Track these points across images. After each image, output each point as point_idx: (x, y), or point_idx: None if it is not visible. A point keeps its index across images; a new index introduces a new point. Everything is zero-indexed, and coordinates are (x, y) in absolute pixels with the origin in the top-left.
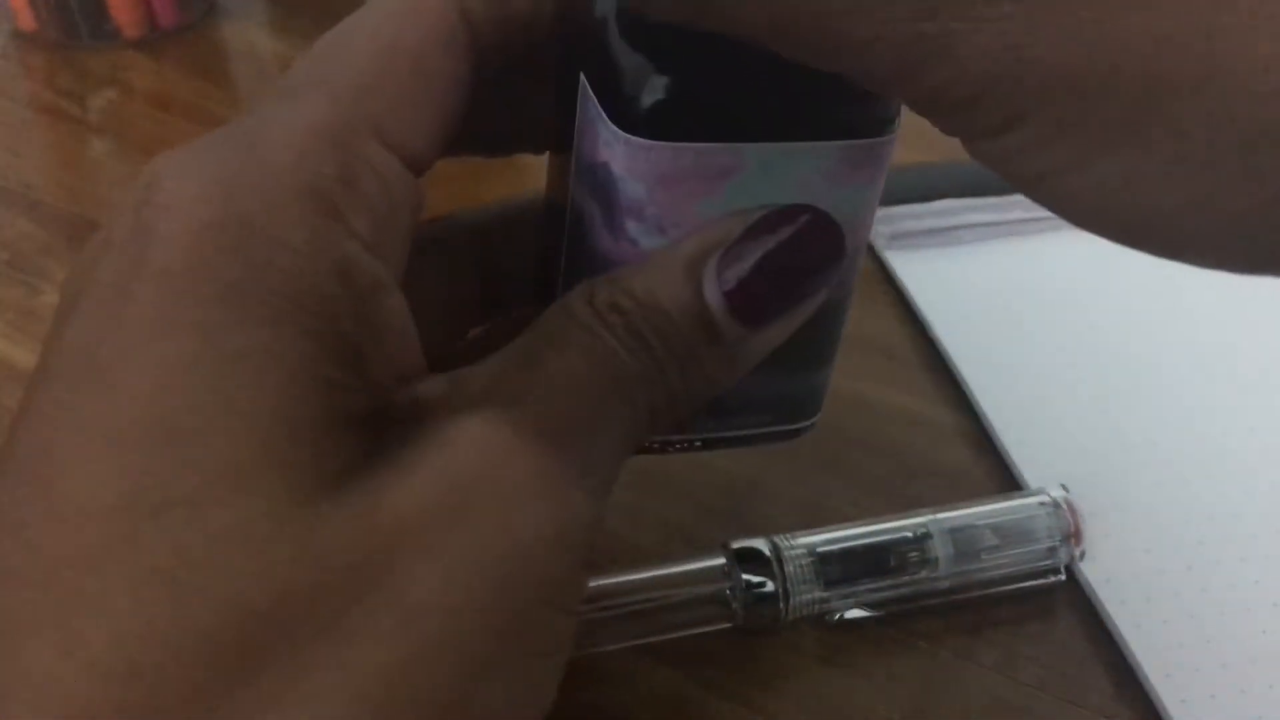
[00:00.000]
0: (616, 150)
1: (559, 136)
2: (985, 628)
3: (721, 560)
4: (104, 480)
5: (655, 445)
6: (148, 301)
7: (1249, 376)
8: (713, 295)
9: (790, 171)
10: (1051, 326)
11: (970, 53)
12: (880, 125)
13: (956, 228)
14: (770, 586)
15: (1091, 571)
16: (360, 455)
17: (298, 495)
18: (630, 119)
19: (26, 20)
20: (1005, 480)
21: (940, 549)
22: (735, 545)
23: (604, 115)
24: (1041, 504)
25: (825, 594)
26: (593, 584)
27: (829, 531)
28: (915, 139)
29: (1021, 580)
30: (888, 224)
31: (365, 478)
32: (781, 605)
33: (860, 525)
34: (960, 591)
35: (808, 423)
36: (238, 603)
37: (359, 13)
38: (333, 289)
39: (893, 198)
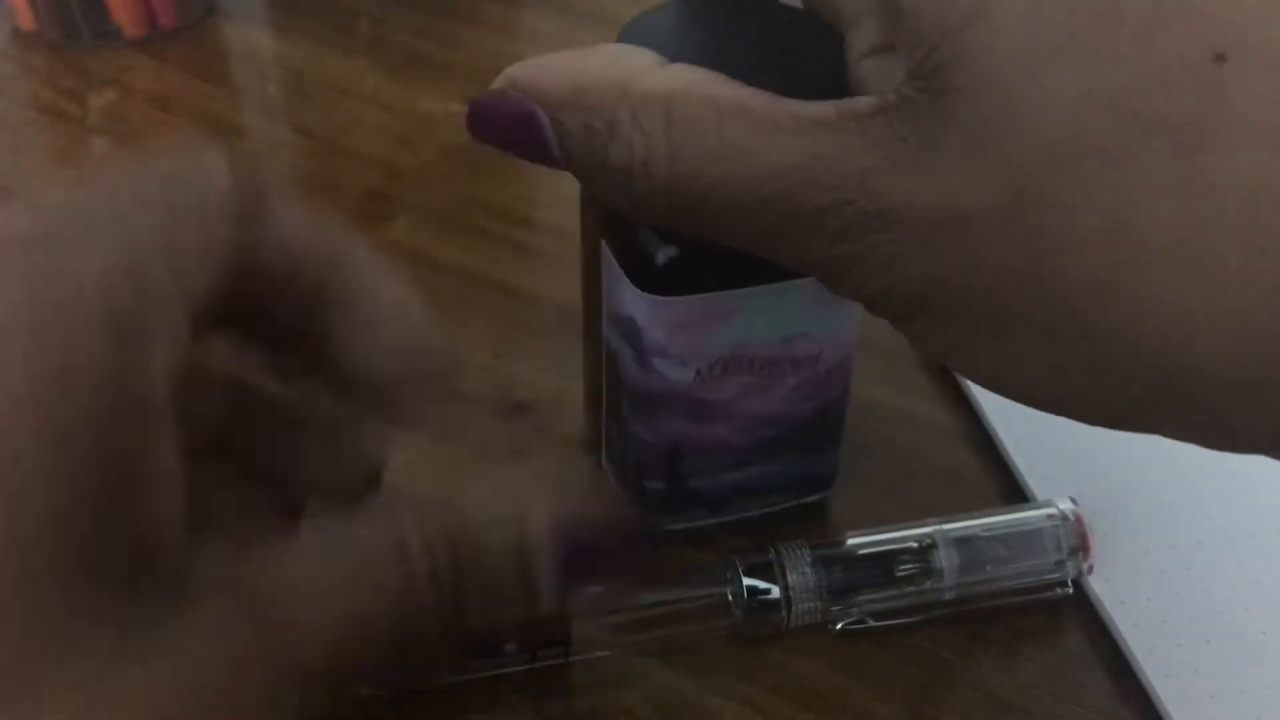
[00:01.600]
0: (639, 306)
1: (587, 286)
2: (985, 629)
3: (726, 568)
4: None
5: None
6: None
7: None
8: (548, 592)
9: (778, 305)
10: None
11: (870, 266)
12: None
13: None
14: (774, 594)
15: (1091, 571)
16: (117, 613)
17: (20, 651)
18: (647, 282)
19: (26, 20)
20: (1006, 481)
21: (945, 560)
22: (739, 553)
23: (626, 279)
24: (1050, 516)
25: (828, 603)
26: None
27: (834, 540)
28: None
29: (1028, 593)
30: None
31: (116, 651)
32: (784, 613)
33: (865, 534)
34: (965, 603)
35: (827, 491)
36: None
37: (140, 172)
38: (128, 430)
39: None
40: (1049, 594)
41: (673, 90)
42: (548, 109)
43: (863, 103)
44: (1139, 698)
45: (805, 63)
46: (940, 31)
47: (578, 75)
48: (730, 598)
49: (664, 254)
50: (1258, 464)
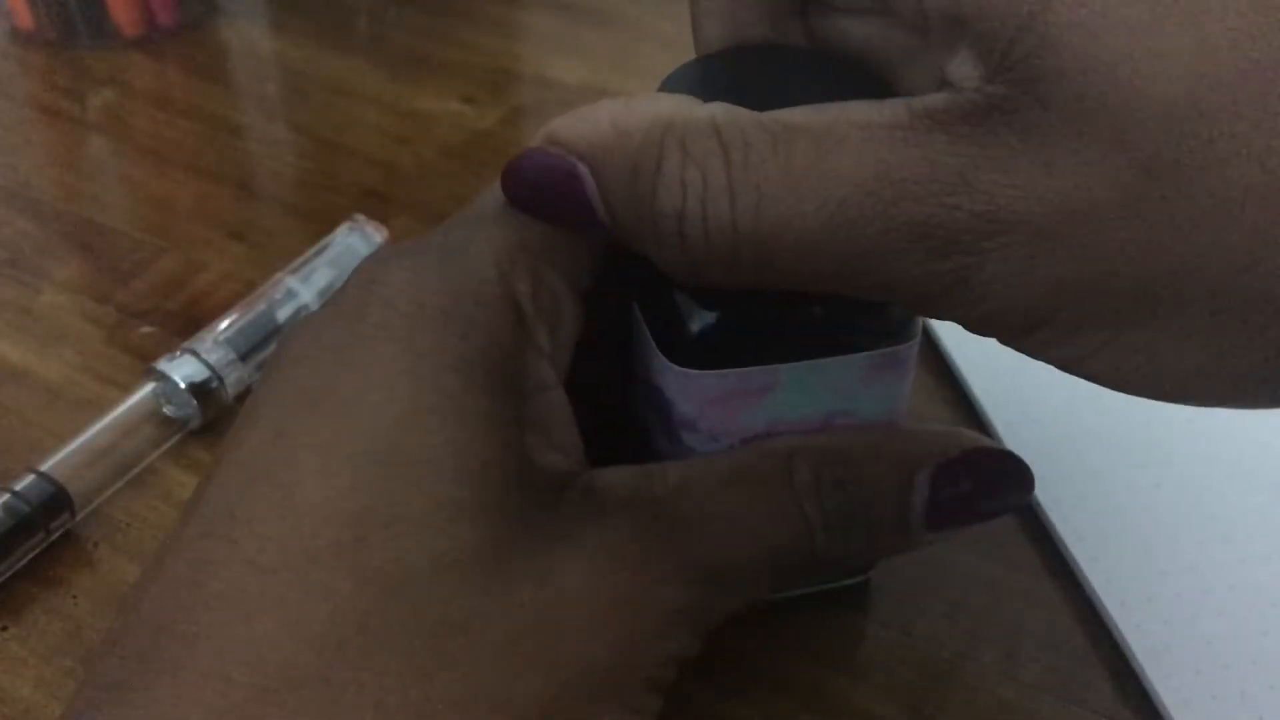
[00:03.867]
0: (667, 378)
1: (619, 346)
2: (985, 628)
3: (151, 384)
4: (343, 492)
5: None
6: (391, 356)
7: None
8: (919, 502)
9: (822, 382)
10: None
11: (984, 279)
12: (902, 335)
13: None
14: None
15: (1092, 571)
16: (540, 519)
17: (496, 541)
18: (679, 353)
19: (25, 19)
20: None
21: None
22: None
23: (655, 347)
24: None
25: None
26: None
27: (225, 319)
28: None
29: None
30: None
31: (545, 551)
32: (221, 391)
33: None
34: None
35: (864, 578)
36: (441, 614)
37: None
38: (520, 385)
39: None
40: None
41: (720, 118)
42: (589, 159)
43: (935, 99)
44: (1140, 698)
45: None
46: (1016, 21)
47: (620, 118)
48: (163, 398)
49: (699, 323)
50: (1259, 464)
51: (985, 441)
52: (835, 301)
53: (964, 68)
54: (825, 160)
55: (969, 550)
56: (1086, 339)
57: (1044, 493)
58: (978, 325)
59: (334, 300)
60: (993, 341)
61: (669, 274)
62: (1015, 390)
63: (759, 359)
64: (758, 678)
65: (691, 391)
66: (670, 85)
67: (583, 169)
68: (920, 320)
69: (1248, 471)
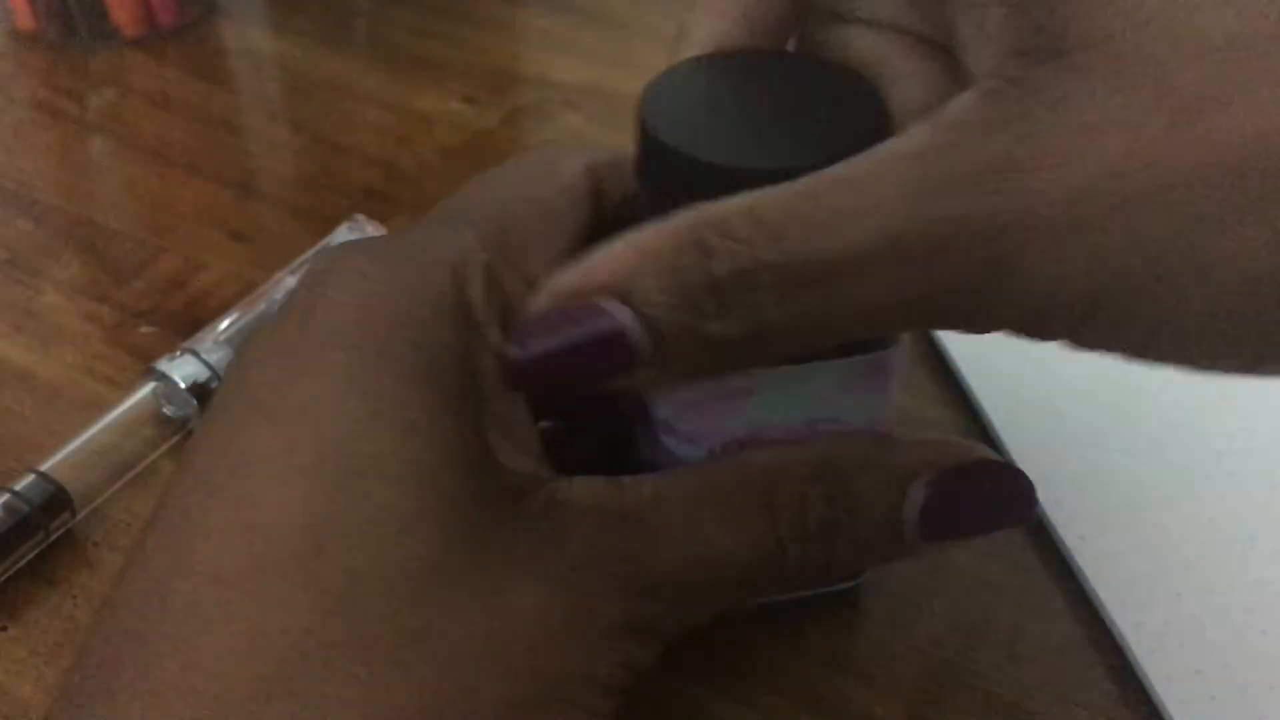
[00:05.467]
0: None
1: None
2: (985, 628)
3: (151, 384)
4: (296, 504)
5: None
6: (340, 365)
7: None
8: (913, 513)
9: (801, 388)
10: None
11: (1027, 268)
12: (882, 340)
13: None
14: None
15: (1092, 571)
16: (493, 528)
17: (447, 551)
18: None
19: (25, 19)
20: None
21: None
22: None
23: None
24: None
25: None
26: None
27: (225, 319)
28: None
29: None
30: None
31: (500, 564)
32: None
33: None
34: None
35: (854, 583)
36: (396, 624)
37: (506, 166)
38: (473, 390)
39: None
40: None
41: (748, 199)
42: (621, 285)
43: (959, 100)
44: (1139, 698)
45: (839, 112)
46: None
47: (635, 241)
48: (164, 399)
49: None
50: (1259, 465)
51: (989, 454)
52: None
53: (989, 55)
54: (864, 197)
55: (969, 550)
56: (1148, 314)
57: (1044, 493)
58: (1035, 322)
59: (286, 304)
60: (993, 342)
61: (729, 365)
62: (1015, 391)
63: None
64: (757, 678)
65: (666, 394)
66: (654, 91)
67: (615, 305)
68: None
69: (1248, 471)
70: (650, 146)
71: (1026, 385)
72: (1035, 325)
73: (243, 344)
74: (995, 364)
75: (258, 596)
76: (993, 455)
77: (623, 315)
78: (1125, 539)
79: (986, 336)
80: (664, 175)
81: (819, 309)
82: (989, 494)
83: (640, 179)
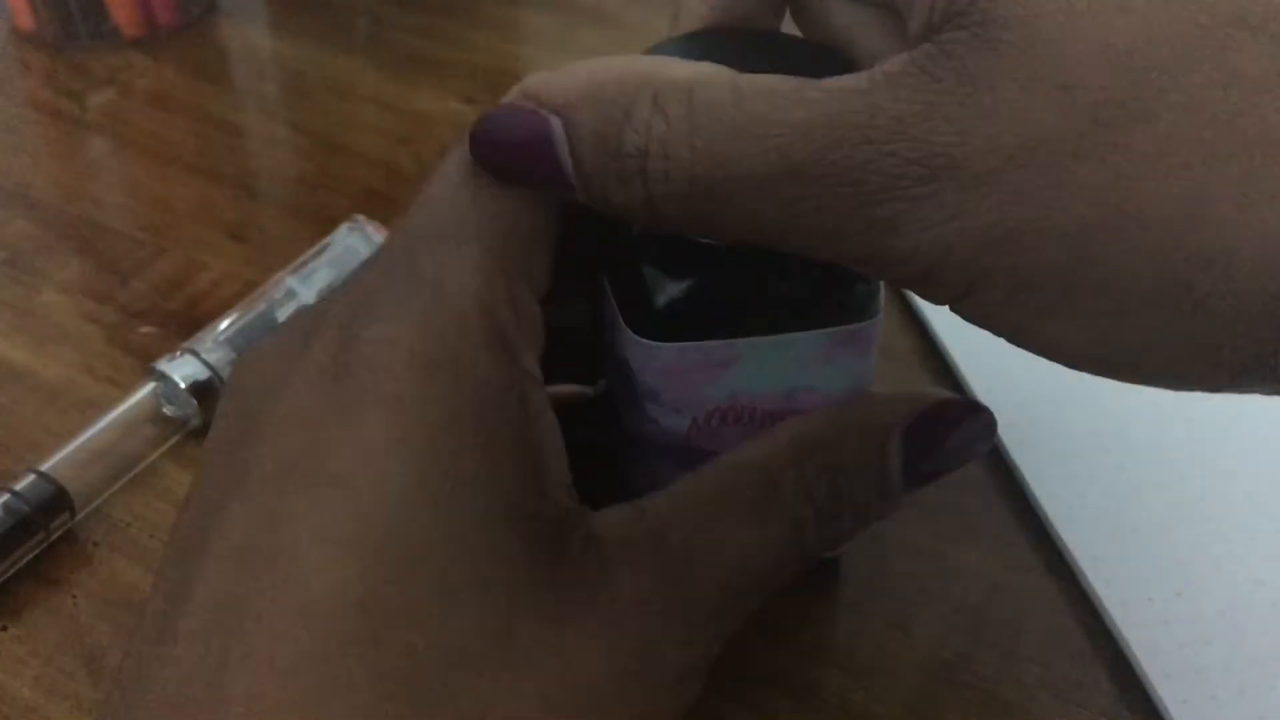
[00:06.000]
0: (631, 349)
1: (592, 320)
2: (985, 628)
3: (151, 384)
4: (348, 582)
5: None
6: (380, 424)
7: None
8: (895, 467)
9: (782, 357)
10: None
11: (918, 225)
12: (862, 312)
13: None
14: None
15: (1092, 571)
16: (547, 586)
17: (499, 625)
18: (642, 325)
19: (25, 19)
20: (1006, 479)
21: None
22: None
23: (621, 320)
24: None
25: None
26: None
27: (225, 319)
28: None
29: None
30: None
31: (550, 623)
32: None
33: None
34: None
35: (835, 554)
36: (457, 704)
37: (464, 160)
38: (519, 421)
39: None
40: None
41: (698, 76)
42: (561, 109)
43: (895, 59)
44: (1139, 698)
45: None
46: None
47: (597, 72)
48: (164, 400)
49: (662, 296)
50: (1259, 464)
51: (944, 394)
52: (797, 278)
53: (918, 19)
54: (783, 111)
55: (969, 550)
56: (1027, 300)
57: (1044, 493)
58: (920, 282)
59: (309, 355)
60: (993, 342)
61: (629, 218)
62: (1015, 391)
63: (720, 333)
64: (757, 677)
65: (654, 363)
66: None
67: (553, 122)
68: (882, 297)
69: (1248, 471)
70: None
71: (1026, 385)
72: (922, 284)
73: (262, 392)
74: (995, 363)
75: (319, 684)
76: (951, 395)
77: (557, 134)
78: (1125, 539)
79: (986, 336)
80: None
81: (706, 210)
82: (956, 432)
83: None
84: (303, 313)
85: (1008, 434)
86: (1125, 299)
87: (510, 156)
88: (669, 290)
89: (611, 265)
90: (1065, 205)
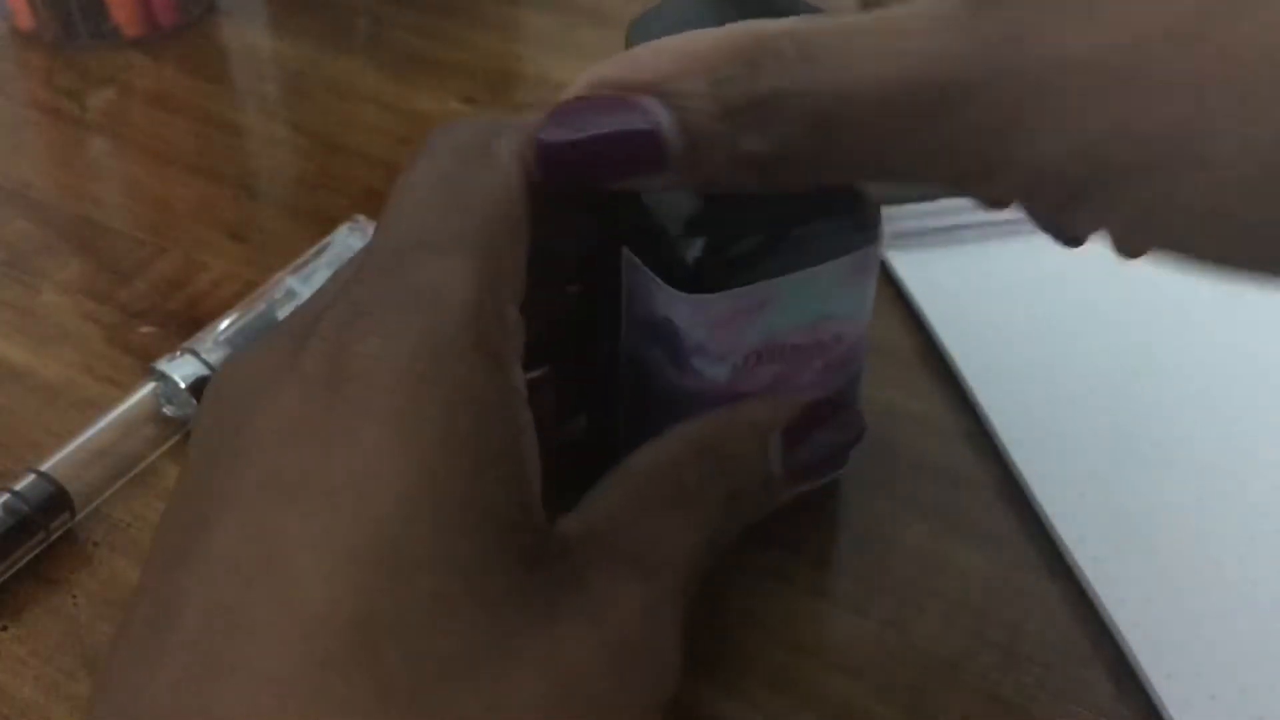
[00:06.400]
0: (677, 308)
1: (588, 308)
2: (985, 628)
3: (151, 384)
4: (345, 595)
5: None
6: (374, 438)
7: (1253, 376)
8: (776, 462)
9: (811, 290)
10: (1052, 326)
11: (1025, 133)
12: (871, 235)
13: (957, 227)
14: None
15: (1092, 572)
16: (533, 593)
17: (494, 633)
18: (685, 281)
19: (25, 19)
20: (1006, 480)
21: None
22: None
23: (660, 283)
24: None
25: None
26: None
27: (225, 319)
28: None
29: None
30: (888, 224)
31: (542, 625)
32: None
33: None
34: None
35: (832, 476)
36: (457, 710)
37: (440, 163)
38: (507, 436)
39: (894, 198)
40: None
41: (797, 25)
42: (661, 85)
43: None
44: (1139, 698)
45: None
46: None
47: (688, 43)
48: (164, 398)
49: (696, 249)
50: (1259, 464)
51: (819, 395)
52: (812, 211)
53: None
54: (890, 40)
55: (969, 550)
56: (1135, 197)
57: (1044, 493)
58: (1027, 194)
59: (299, 367)
60: (994, 342)
61: (729, 185)
62: (1016, 392)
63: (751, 277)
64: (757, 677)
65: (701, 316)
66: (639, 30)
67: (651, 102)
68: (882, 220)
69: (1248, 471)
70: None
71: (1027, 385)
72: (1028, 197)
73: (249, 402)
74: (995, 364)
75: (318, 697)
76: (821, 396)
77: (661, 115)
78: (1125, 539)
79: (987, 336)
80: None
81: (840, 142)
82: (829, 429)
83: None
84: (287, 322)
85: (1008, 434)
86: (1233, 181)
87: (602, 152)
88: (700, 244)
89: (634, 239)
90: (1169, 102)
